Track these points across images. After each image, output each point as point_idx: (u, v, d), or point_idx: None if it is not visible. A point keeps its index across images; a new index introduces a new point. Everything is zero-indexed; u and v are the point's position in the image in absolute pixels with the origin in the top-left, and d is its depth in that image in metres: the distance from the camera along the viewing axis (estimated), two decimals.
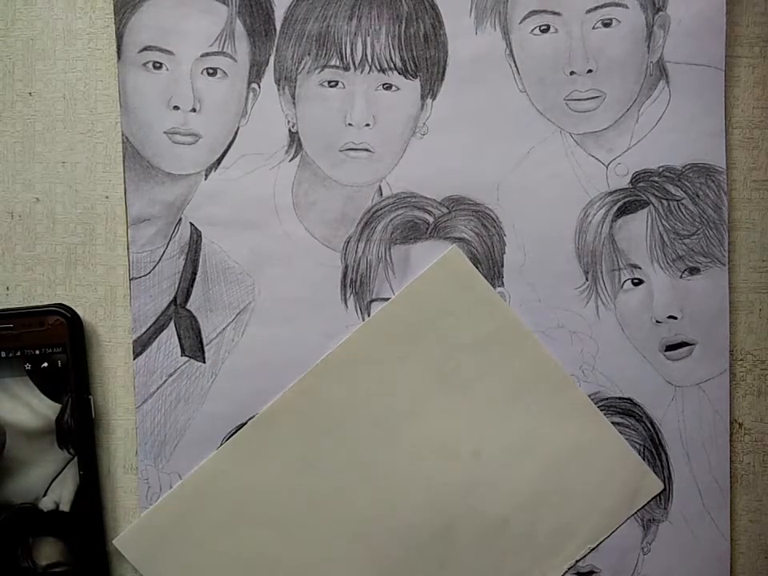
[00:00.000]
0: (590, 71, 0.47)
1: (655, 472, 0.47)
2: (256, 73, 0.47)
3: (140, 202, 0.47)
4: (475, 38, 0.47)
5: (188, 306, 0.47)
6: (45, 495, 0.47)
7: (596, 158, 0.47)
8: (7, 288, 0.48)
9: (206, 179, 0.47)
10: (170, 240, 0.47)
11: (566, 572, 0.47)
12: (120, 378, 0.48)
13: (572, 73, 0.47)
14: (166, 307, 0.47)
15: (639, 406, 0.47)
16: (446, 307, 0.47)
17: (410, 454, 0.46)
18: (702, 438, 0.47)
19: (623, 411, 0.47)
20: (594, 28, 0.46)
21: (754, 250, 0.48)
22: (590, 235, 0.47)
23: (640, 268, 0.47)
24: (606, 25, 0.46)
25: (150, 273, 0.47)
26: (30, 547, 0.47)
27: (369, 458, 0.46)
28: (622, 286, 0.47)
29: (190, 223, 0.47)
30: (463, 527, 0.46)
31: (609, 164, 0.47)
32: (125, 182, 0.47)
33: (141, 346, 0.47)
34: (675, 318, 0.47)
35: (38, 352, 0.46)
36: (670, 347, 0.47)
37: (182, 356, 0.47)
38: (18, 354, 0.46)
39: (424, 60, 0.47)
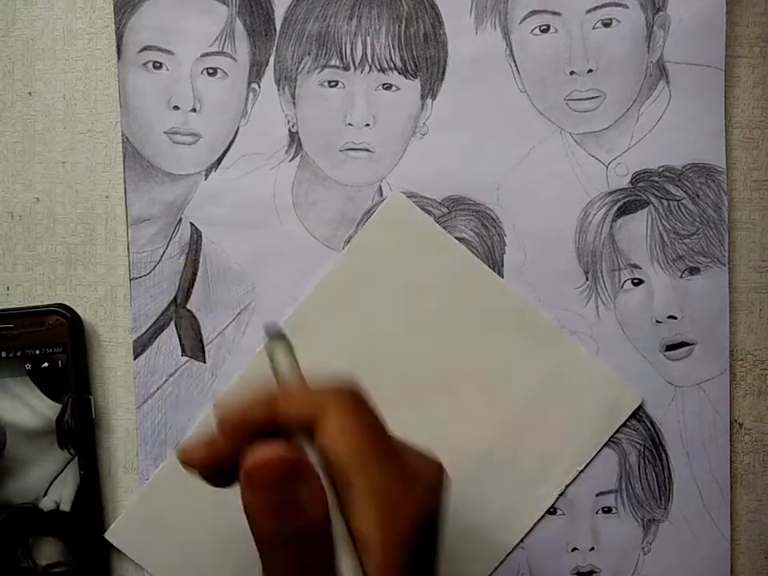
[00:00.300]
0: (590, 71, 0.47)
1: (655, 472, 0.47)
2: (256, 73, 0.47)
3: (140, 201, 0.47)
4: (475, 38, 0.47)
5: (188, 306, 0.47)
6: (45, 495, 0.47)
7: (596, 158, 0.47)
8: (7, 288, 0.48)
9: (206, 179, 0.47)
10: (170, 240, 0.47)
11: (557, 499, 0.47)
12: (120, 378, 0.48)
13: (572, 73, 0.47)
14: (166, 307, 0.47)
15: (639, 405, 0.47)
16: (399, 253, 0.47)
17: (386, 401, 0.46)
18: (702, 438, 0.47)
19: None
20: (594, 28, 0.46)
21: (754, 250, 0.48)
22: (590, 235, 0.47)
23: (640, 268, 0.47)
24: (606, 25, 0.46)
25: (150, 273, 0.47)
26: (30, 547, 0.47)
27: None
28: (622, 286, 0.47)
29: (191, 223, 0.47)
30: (448, 467, 0.46)
31: (609, 164, 0.47)
32: (125, 181, 0.47)
33: (141, 346, 0.47)
34: (675, 317, 0.47)
35: (38, 352, 0.46)
36: (670, 347, 0.47)
37: (182, 356, 0.47)
38: (19, 353, 0.46)
39: (424, 60, 0.47)
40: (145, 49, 0.47)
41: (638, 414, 0.47)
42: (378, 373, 0.46)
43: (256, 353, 0.47)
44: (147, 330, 0.47)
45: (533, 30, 0.47)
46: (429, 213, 0.47)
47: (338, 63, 0.47)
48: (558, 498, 0.47)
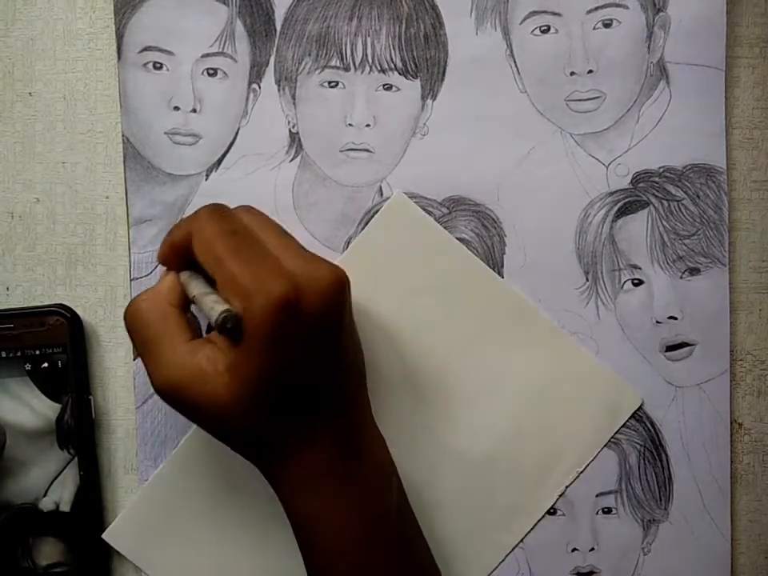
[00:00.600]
0: (590, 72, 0.47)
1: (655, 472, 0.47)
2: (256, 73, 0.47)
3: (141, 202, 0.47)
4: (475, 39, 0.47)
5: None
6: (45, 495, 0.47)
7: (596, 159, 0.47)
8: (7, 288, 0.48)
9: (206, 180, 0.47)
10: None
11: (557, 499, 0.47)
12: (120, 378, 0.48)
13: (572, 73, 0.47)
14: None
15: (639, 406, 0.47)
16: (400, 253, 0.47)
17: (387, 404, 0.46)
18: (702, 439, 0.47)
19: None
20: (594, 28, 0.46)
21: (754, 250, 0.48)
22: (591, 235, 0.47)
23: (640, 268, 0.47)
24: (607, 25, 0.46)
25: (150, 273, 0.47)
26: (30, 547, 0.47)
27: None
28: (622, 287, 0.47)
29: None
30: (448, 469, 0.47)
31: (609, 164, 0.47)
32: (125, 182, 0.47)
33: None
34: (675, 318, 0.47)
35: (38, 352, 0.46)
36: (671, 348, 0.47)
37: None
38: (19, 354, 0.46)
39: (424, 60, 0.47)
40: (145, 49, 0.47)
41: (638, 414, 0.47)
42: (378, 373, 0.47)
43: None
44: None
45: (533, 30, 0.47)
46: (429, 213, 0.47)
47: (338, 64, 0.47)
48: (558, 499, 0.47)
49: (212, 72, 0.47)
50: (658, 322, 0.47)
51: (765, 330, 0.48)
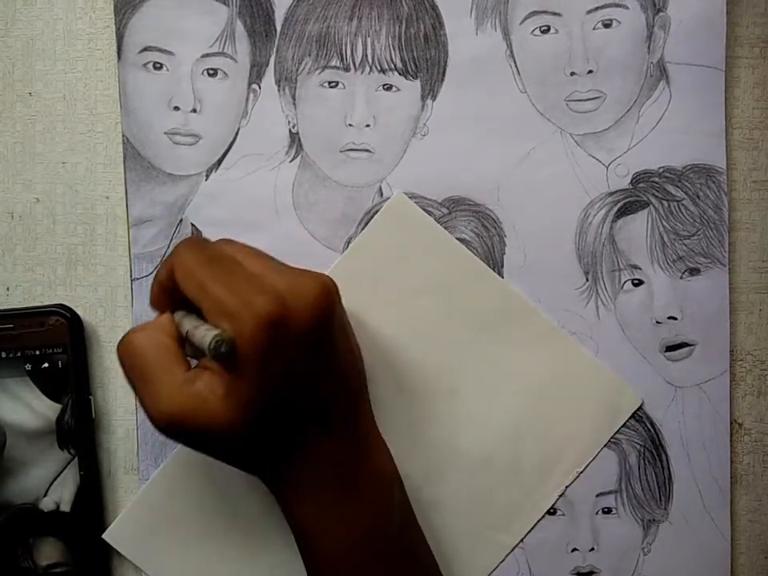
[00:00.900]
0: (590, 72, 0.47)
1: (655, 473, 0.48)
2: (256, 73, 0.47)
3: (141, 202, 0.47)
4: (475, 39, 0.47)
5: None
6: (45, 495, 0.47)
7: (596, 159, 0.47)
8: (7, 288, 0.48)
9: (206, 180, 0.47)
10: (171, 241, 0.47)
11: (557, 499, 0.47)
12: (120, 379, 0.48)
13: (572, 73, 0.47)
14: None
15: (639, 406, 0.47)
16: (400, 254, 0.47)
17: (388, 404, 0.46)
18: (702, 439, 0.47)
19: None
20: (594, 29, 0.46)
21: (754, 250, 0.48)
22: (591, 236, 0.47)
23: (640, 269, 0.47)
24: (607, 25, 0.46)
25: (151, 273, 0.47)
26: (30, 547, 0.47)
27: None
28: (622, 287, 0.47)
29: (191, 224, 0.47)
30: (448, 469, 0.47)
31: (609, 164, 0.47)
32: (125, 182, 0.47)
33: None
34: (675, 318, 0.47)
35: (38, 352, 0.46)
36: (670, 348, 0.47)
37: None
38: (19, 354, 0.46)
39: (424, 60, 0.47)
40: (145, 49, 0.47)
41: (638, 414, 0.47)
42: (378, 373, 0.47)
43: None
44: None
45: (533, 30, 0.47)
46: (429, 213, 0.47)
47: (338, 64, 0.47)
48: (558, 499, 0.47)
49: (212, 72, 0.47)
50: (657, 322, 0.47)
51: (765, 330, 0.48)
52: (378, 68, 0.47)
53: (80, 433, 0.47)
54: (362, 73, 0.47)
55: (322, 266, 0.47)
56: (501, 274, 0.47)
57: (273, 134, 0.47)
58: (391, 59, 0.47)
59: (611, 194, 0.47)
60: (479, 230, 0.47)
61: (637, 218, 0.47)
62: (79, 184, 0.48)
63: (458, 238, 0.47)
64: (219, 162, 0.47)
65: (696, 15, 0.46)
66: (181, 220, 0.47)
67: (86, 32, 0.48)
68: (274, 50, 0.47)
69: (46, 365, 0.46)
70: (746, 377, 0.48)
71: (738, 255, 0.48)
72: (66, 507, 0.47)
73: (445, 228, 0.47)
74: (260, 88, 0.47)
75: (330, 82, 0.47)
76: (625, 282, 0.47)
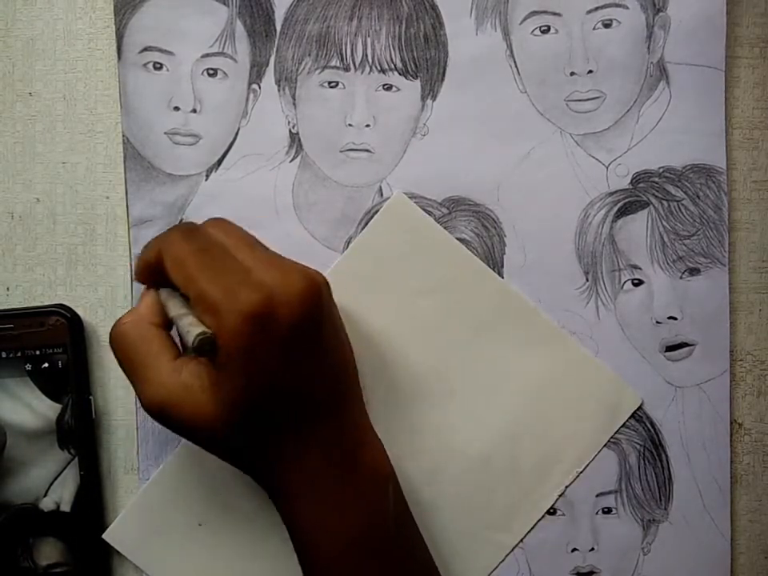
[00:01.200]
0: (590, 72, 0.47)
1: (655, 473, 0.48)
2: (256, 73, 0.47)
3: (141, 202, 0.47)
4: (475, 39, 0.47)
5: None
6: (45, 495, 0.47)
7: (596, 159, 0.47)
8: (7, 288, 0.48)
9: (206, 180, 0.47)
10: None
11: (557, 499, 0.47)
12: (120, 379, 0.48)
13: (572, 73, 0.47)
14: None
15: (639, 406, 0.47)
16: (400, 254, 0.47)
17: (387, 404, 0.46)
18: (702, 439, 0.47)
19: None
20: (594, 29, 0.46)
21: (754, 250, 0.48)
22: (591, 236, 0.47)
23: (640, 269, 0.47)
24: (607, 25, 0.46)
25: None
26: (30, 547, 0.47)
27: None
28: (622, 287, 0.47)
29: None
30: (448, 469, 0.47)
31: (609, 164, 0.47)
32: (125, 182, 0.47)
33: None
34: (675, 318, 0.47)
35: (38, 352, 0.46)
36: (670, 348, 0.47)
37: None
38: (19, 354, 0.46)
39: (424, 60, 0.47)
40: (145, 49, 0.47)
41: (638, 414, 0.47)
42: (377, 373, 0.47)
43: None
44: None
45: (533, 30, 0.47)
46: (429, 213, 0.47)
47: (338, 64, 0.47)
48: (557, 499, 0.47)
49: (212, 72, 0.47)
50: (657, 322, 0.47)
51: (765, 330, 0.48)
52: (378, 68, 0.47)
53: (80, 433, 0.47)
54: (362, 73, 0.47)
55: (322, 266, 0.47)
56: (501, 274, 0.47)
57: (273, 134, 0.47)
58: (391, 59, 0.47)
59: (611, 194, 0.47)
60: (479, 230, 0.47)
61: (637, 218, 0.47)
62: (79, 184, 0.48)
63: (458, 238, 0.47)
64: (219, 162, 0.47)
65: (696, 15, 0.46)
66: (181, 220, 0.47)
67: (85, 32, 0.48)
68: (274, 49, 0.47)
69: (46, 365, 0.46)
70: (745, 377, 0.48)
71: (738, 255, 0.48)
72: (66, 507, 0.47)
73: (445, 228, 0.47)
74: (260, 88, 0.47)
75: (329, 82, 0.47)
76: (625, 282, 0.47)
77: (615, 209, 0.47)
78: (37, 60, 0.48)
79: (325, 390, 0.40)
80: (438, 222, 0.47)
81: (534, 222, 0.47)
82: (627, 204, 0.47)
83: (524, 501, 0.47)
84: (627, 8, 0.46)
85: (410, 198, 0.47)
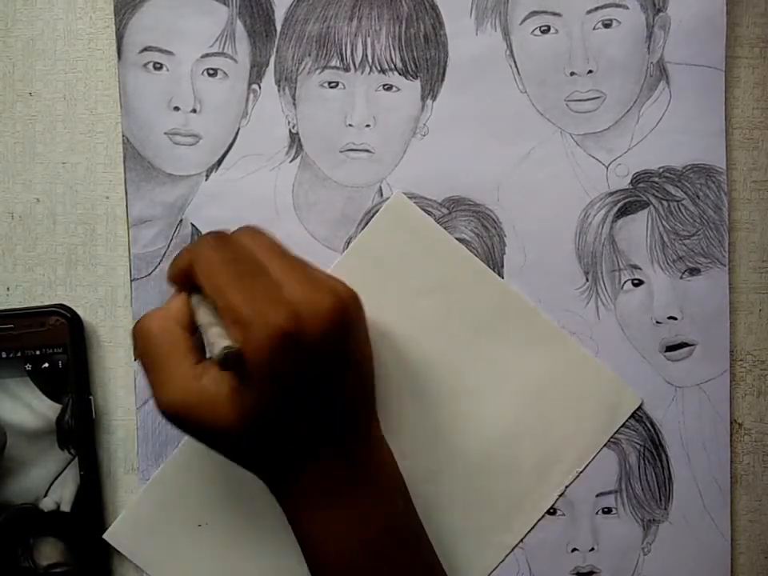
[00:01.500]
0: (590, 72, 0.47)
1: (655, 473, 0.48)
2: (256, 74, 0.47)
3: (141, 202, 0.47)
4: (475, 39, 0.47)
5: None
6: (45, 495, 0.47)
7: (596, 159, 0.47)
8: (8, 288, 0.48)
9: (206, 180, 0.47)
10: (171, 241, 0.47)
11: (557, 499, 0.47)
12: (121, 379, 0.48)
13: (572, 73, 0.47)
14: None
15: (639, 406, 0.47)
16: (400, 254, 0.47)
17: (386, 404, 0.46)
18: (702, 439, 0.47)
19: None
20: (594, 29, 0.46)
21: (754, 250, 0.48)
22: (591, 236, 0.47)
23: (640, 269, 0.47)
24: (607, 25, 0.46)
25: (151, 273, 0.47)
26: (30, 547, 0.47)
27: None
28: (622, 287, 0.47)
29: (191, 224, 0.47)
30: (448, 469, 0.47)
31: (609, 164, 0.47)
32: (125, 182, 0.47)
33: None
34: (675, 318, 0.47)
35: (38, 352, 0.46)
36: (670, 348, 0.47)
37: None
38: (19, 354, 0.46)
39: (424, 61, 0.47)
40: (145, 49, 0.47)
41: (638, 414, 0.47)
42: (377, 373, 0.46)
43: None
44: None
45: (533, 30, 0.47)
46: (429, 213, 0.47)
47: (338, 64, 0.47)
48: (557, 499, 0.47)
49: (212, 72, 0.47)
50: (657, 322, 0.47)
51: (765, 330, 0.48)
52: (378, 68, 0.47)
53: (80, 433, 0.47)
54: (362, 73, 0.47)
55: (322, 266, 0.47)
56: (501, 274, 0.47)
57: (273, 134, 0.47)
58: (391, 59, 0.47)
59: (611, 194, 0.47)
60: (479, 230, 0.47)
61: (637, 218, 0.47)
62: (79, 184, 0.48)
63: (457, 238, 0.47)
64: (219, 162, 0.47)
65: (696, 15, 0.46)
66: (181, 220, 0.47)
67: (86, 32, 0.48)
68: (274, 50, 0.47)
69: (46, 365, 0.46)
70: (745, 377, 0.48)
71: (738, 255, 0.48)
72: (66, 507, 0.47)
73: (445, 228, 0.47)
74: (260, 88, 0.47)
75: (329, 82, 0.47)
76: (625, 282, 0.47)
77: (615, 209, 0.47)
78: (37, 60, 0.48)
79: (345, 404, 0.40)
80: (438, 222, 0.47)
81: (534, 222, 0.47)
82: (627, 204, 0.47)
83: (524, 501, 0.47)
84: (627, 8, 0.46)
85: (410, 198, 0.47)
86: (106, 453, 0.48)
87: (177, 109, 0.47)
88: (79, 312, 0.47)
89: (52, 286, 0.48)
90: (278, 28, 0.47)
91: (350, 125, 0.47)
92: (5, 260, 0.48)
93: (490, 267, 0.47)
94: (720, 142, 0.47)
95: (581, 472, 0.47)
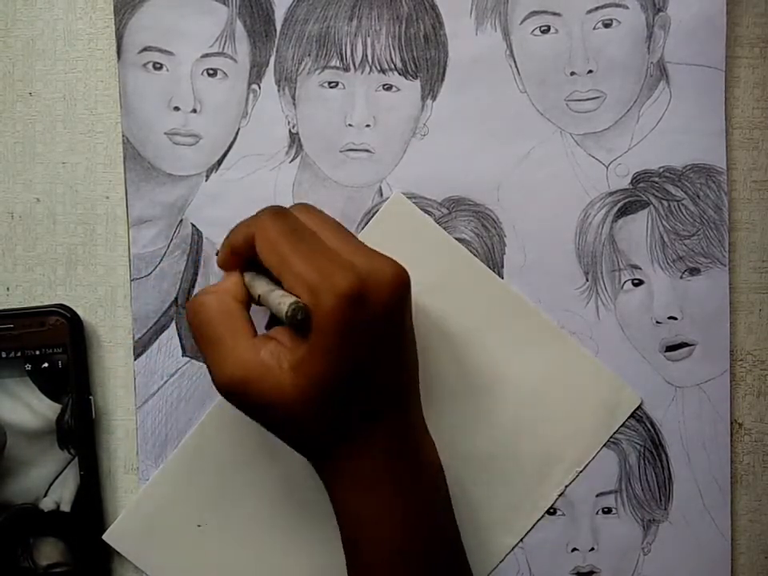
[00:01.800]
0: (590, 72, 0.47)
1: (655, 472, 0.48)
2: (256, 74, 0.47)
3: (141, 202, 0.47)
4: (475, 39, 0.47)
5: None
6: (45, 495, 0.47)
7: (596, 159, 0.47)
8: (8, 288, 0.48)
9: (206, 180, 0.47)
10: (171, 241, 0.47)
11: (557, 499, 0.47)
12: (120, 379, 0.48)
13: (572, 73, 0.47)
14: (167, 308, 0.47)
15: (639, 406, 0.47)
16: (399, 254, 0.47)
17: None
18: (702, 439, 0.47)
19: None
20: (594, 29, 0.46)
21: (754, 250, 0.48)
22: (591, 236, 0.47)
23: (640, 268, 0.47)
24: (607, 25, 0.46)
25: (151, 273, 0.47)
26: (30, 547, 0.47)
27: None
28: (622, 287, 0.47)
29: (191, 224, 0.47)
30: (448, 469, 0.47)
31: (609, 164, 0.47)
32: (125, 182, 0.47)
33: (142, 346, 0.47)
34: (675, 318, 0.47)
35: (38, 352, 0.46)
36: (670, 348, 0.47)
37: (183, 356, 0.47)
38: (19, 354, 0.46)
39: (424, 60, 0.47)
40: (145, 49, 0.47)
41: (638, 414, 0.47)
42: None
43: None
44: (148, 331, 0.47)
45: (533, 30, 0.47)
46: (429, 213, 0.47)
47: (338, 64, 0.47)
48: (557, 499, 0.47)
49: (212, 72, 0.47)
50: (657, 322, 0.47)
51: (765, 330, 0.48)
52: (378, 68, 0.47)
53: (80, 433, 0.47)
54: (362, 73, 0.47)
55: None
56: (501, 274, 0.47)
57: (273, 134, 0.47)
58: (391, 59, 0.47)
59: (611, 193, 0.47)
60: (479, 230, 0.47)
61: (637, 217, 0.47)
62: (79, 184, 0.48)
63: (457, 238, 0.47)
64: (219, 162, 0.47)
65: (696, 15, 0.46)
66: (181, 220, 0.47)
67: (86, 32, 0.48)
68: (274, 50, 0.47)
69: (46, 365, 0.46)
70: (745, 377, 0.48)
71: (738, 255, 0.48)
72: (66, 507, 0.47)
73: (445, 228, 0.47)
74: (260, 88, 0.47)
75: (329, 82, 0.47)
76: (625, 282, 0.47)
77: (615, 209, 0.47)
78: (37, 60, 0.48)
79: (399, 379, 0.40)
80: (438, 222, 0.47)
81: (534, 222, 0.47)
82: (627, 204, 0.47)
83: (524, 500, 0.47)
84: (627, 8, 0.46)
85: (409, 198, 0.47)
86: (106, 453, 0.48)
87: (177, 109, 0.47)
88: (79, 312, 0.47)
89: (52, 286, 0.48)
90: (278, 28, 0.47)
91: (350, 125, 0.47)
92: (5, 260, 0.48)
93: (490, 267, 0.47)
94: (720, 142, 0.47)
95: (581, 472, 0.47)
